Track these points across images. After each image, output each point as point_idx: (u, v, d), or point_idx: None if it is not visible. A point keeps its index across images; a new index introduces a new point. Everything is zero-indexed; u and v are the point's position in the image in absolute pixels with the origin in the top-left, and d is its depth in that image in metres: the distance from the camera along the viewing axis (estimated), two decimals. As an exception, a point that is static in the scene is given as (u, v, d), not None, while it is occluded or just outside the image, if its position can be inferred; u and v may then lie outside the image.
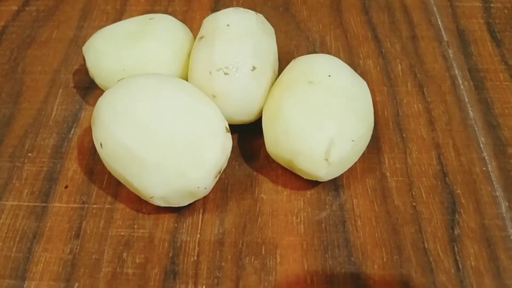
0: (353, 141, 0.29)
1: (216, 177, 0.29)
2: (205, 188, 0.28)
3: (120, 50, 0.33)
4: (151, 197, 0.28)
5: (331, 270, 0.28)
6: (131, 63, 0.32)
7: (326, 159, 0.28)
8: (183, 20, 0.41)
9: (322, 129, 0.28)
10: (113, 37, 0.33)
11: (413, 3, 0.43)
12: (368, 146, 0.32)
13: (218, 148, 0.28)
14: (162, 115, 0.28)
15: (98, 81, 0.34)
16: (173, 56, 0.33)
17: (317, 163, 0.29)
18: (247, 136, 0.34)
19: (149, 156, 0.27)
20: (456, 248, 0.29)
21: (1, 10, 0.44)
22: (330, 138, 0.28)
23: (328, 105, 0.29)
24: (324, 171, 0.29)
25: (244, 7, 0.43)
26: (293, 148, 0.29)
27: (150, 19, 0.34)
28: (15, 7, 0.45)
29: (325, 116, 0.29)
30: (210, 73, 0.31)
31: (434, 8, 0.42)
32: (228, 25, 0.32)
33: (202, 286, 0.28)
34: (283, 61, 0.39)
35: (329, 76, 0.30)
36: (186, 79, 0.32)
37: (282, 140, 0.29)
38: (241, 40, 0.31)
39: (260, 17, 0.35)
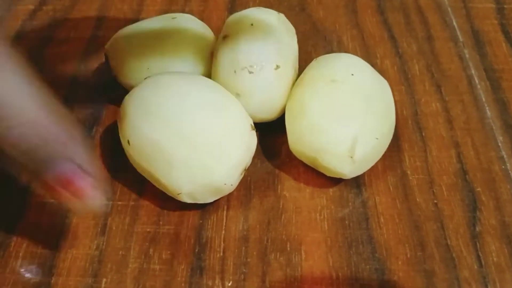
0: (377, 138, 0.29)
1: (241, 174, 0.29)
2: (231, 184, 0.29)
3: (144, 49, 0.33)
4: (178, 194, 0.28)
5: (356, 266, 0.28)
6: (155, 61, 0.33)
7: (351, 156, 0.29)
8: (200, 20, 0.41)
9: (346, 126, 0.29)
10: (136, 36, 0.34)
11: (427, 4, 0.43)
12: (388, 144, 0.33)
13: (244, 145, 0.29)
14: (189, 112, 0.28)
15: (121, 79, 0.34)
16: (196, 55, 0.34)
17: (341, 160, 0.29)
18: (269, 134, 0.34)
19: (177, 152, 0.27)
20: (478, 245, 0.29)
21: (18, 9, 0.45)
22: (354, 135, 0.29)
23: (352, 103, 0.30)
24: (348, 168, 0.29)
25: (260, 6, 0.44)
26: (317, 145, 0.29)
27: (172, 18, 0.35)
28: (31, 7, 0.45)
29: (348, 114, 0.29)
30: (235, 71, 0.31)
31: (449, 9, 0.43)
32: (252, 25, 0.32)
33: (229, 282, 0.28)
34: (301, 60, 0.39)
35: (352, 75, 0.31)
36: (209, 78, 0.33)
37: (306, 137, 0.30)
38: (265, 39, 0.32)
39: (282, 16, 0.35)
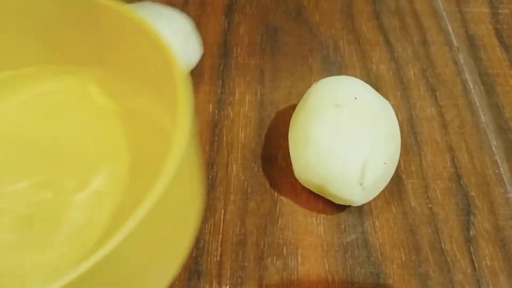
0: (385, 163, 0.29)
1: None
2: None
3: None
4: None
5: (352, 270, 0.29)
6: None
7: (360, 183, 0.28)
8: (198, 24, 0.41)
9: (354, 152, 0.28)
10: None
11: (422, 8, 0.44)
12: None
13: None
14: None
15: None
16: None
17: (351, 188, 0.28)
18: (265, 139, 0.35)
19: None
20: (472, 249, 0.30)
21: None
22: (363, 161, 0.28)
23: (358, 128, 0.29)
24: (358, 196, 0.28)
25: (257, 11, 0.44)
26: (325, 173, 0.29)
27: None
28: None
29: (356, 140, 0.28)
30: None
31: (444, 14, 0.43)
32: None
33: (226, 286, 0.28)
34: (297, 65, 0.40)
35: (355, 98, 0.30)
36: None
37: (313, 165, 0.29)
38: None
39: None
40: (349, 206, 0.31)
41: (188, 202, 0.24)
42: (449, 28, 0.42)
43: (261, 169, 0.33)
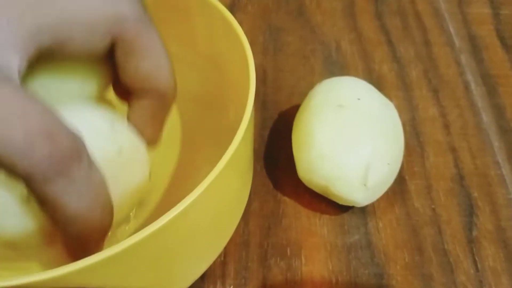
0: (388, 164, 0.29)
1: None
2: None
3: None
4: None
5: (355, 271, 0.29)
6: None
7: (364, 184, 0.28)
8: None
9: (357, 153, 0.28)
10: None
11: (424, 9, 0.44)
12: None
13: None
14: None
15: None
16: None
17: (354, 188, 0.28)
18: (269, 140, 0.35)
19: None
20: (474, 249, 0.30)
21: None
22: (366, 162, 0.28)
23: (361, 128, 0.29)
24: (361, 196, 0.28)
25: (259, 11, 0.44)
26: (329, 173, 0.28)
27: None
28: None
29: (359, 141, 0.28)
30: None
31: (445, 15, 0.43)
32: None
33: (230, 286, 0.28)
34: (299, 65, 0.40)
35: (358, 99, 0.30)
36: None
37: (317, 166, 0.29)
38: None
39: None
40: (353, 207, 0.31)
41: (247, 175, 0.28)
42: (451, 29, 0.42)
43: (264, 170, 0.33)
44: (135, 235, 0.19)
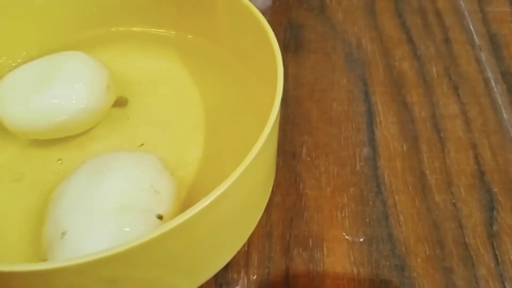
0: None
1: None
2: None
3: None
4: None
5: (377, 263, 0.29)
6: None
7: None
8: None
9: None
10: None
11: (444, 7, 0.44)
12: (407, 145, 0.34)
13: None
14: None
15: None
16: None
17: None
18: (289, 134, 0.35)
19: None
20: (495, 243, 0.30)
21: None
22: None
23: None
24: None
25: (280, 8, 0.45)
26: None
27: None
28: None
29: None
30: None
31: (465, 13, 0.44)
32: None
33: (254, 276, 0.29)
34: (321, 62, 0.40)
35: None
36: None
37: None
38: None
39: None
40: (374, 200, 0.32)
41: (271, 167, 0.28)
42: (471, 26, 0.42)
43: (285, 164, 0.34)
44: (165, 224, 0.20)
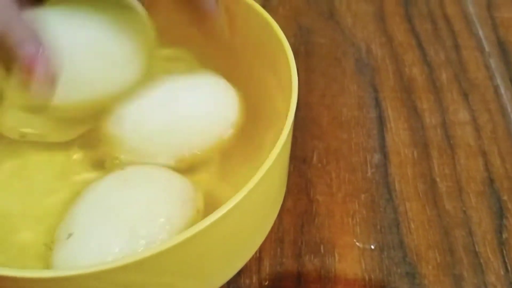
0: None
1: None
2: None
3: None
4: None
5: (388, 269, 0.30)
6: None
7: None
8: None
9: None
10: None
11: (454, 13, 0.44)
12: (418, 151, 0.34)
13: None
14: None
15: None
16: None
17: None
18: (300, 140, 0.36)
19: None
20: (504, 251, 0.30)
21: None
22: None
23: None
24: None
25: (290, 13, 0.45)
26: None
27: None
28: None
29: None
30: None
31: (474, 19, 0.44)
32: None
33: (266, 281, 0.29)
34: (331, 66, 0.40)
35: None
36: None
37: None
38: None
39: None
40: (385, 207, 0.32)
41: (284, 174, 0.29)
42: (480, 33, 0.43)
43: (296, 169, 0.34)
44: (184, 232, 0.20)
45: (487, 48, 0.41)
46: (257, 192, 0.22)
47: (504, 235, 0.31)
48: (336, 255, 0.30)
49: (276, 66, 0.29)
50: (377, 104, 0.38)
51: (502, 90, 0.38)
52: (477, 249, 0.30)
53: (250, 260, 0.30)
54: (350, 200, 0.33)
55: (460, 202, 0.32)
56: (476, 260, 0.30)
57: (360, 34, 0.43)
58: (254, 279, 0.29)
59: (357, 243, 0.31)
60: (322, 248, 0.31)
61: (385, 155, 0.35)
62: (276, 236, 0.31)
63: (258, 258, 0.30)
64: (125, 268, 0.20)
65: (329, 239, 0.31)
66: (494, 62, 0.40)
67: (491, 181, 0.33)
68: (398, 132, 0.36)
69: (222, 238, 0.23)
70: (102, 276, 0.20)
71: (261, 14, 0.30)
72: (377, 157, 0.34)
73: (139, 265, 0.20)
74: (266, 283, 0.29)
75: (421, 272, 0.29)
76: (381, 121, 0.37)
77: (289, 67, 0.27)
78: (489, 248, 0.30)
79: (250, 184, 0.22)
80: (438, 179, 0.33)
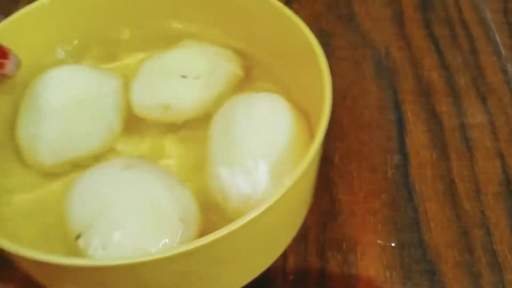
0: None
1: None
2: None
3: None
4: None
5: (408, 267, 0.31)
6: None
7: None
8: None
9: None
10: None
11: (471, 18, 0.45)
12: (437, 153, 0.35)
13: None
14: None
15: None
16: None
17: None
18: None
19: None
20: (522, 251, 0.31)
21: None
22: None
23: None
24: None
25: (310, 16, 0.46)
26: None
27: None
28: None
29: None
30: None
31: (491, 24, 0.45)
32: None
33: (290, 277, 0.31)
34: (351, 69, 0.41)
35: None
36: None
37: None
38: None
39: None
40: (406, 206, 0.33)
41: (315, 176, 0.30)
42: (497, 38, 0.44)
43: (319, 169, 0.35)
44: (221, 229, 0.21)
45: (504, 53, 0.42)
46: (298, 188, 0.24)
47: (521, 235, 0.32)
48: (358, 252, 0.31)
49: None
50: (397, 106, 0.39)
51: (519, 94, 0.39)
52: (495, 248, 0.31)
53: (275, 256, 0.31)
54: (371, 199, 0.34)
55: (478, 203, 0.33)
56: (494, 259, 0.31)
57: (379, 37, 0.44)
58: (280, 274, 0.31)
59: (378, 241, 0.32)
60: (344, 245, 0.32)
61: (405, 156, 0.36)
62: (299, 234, 0.32)
63: (283, 254, 0.31)
64: (177, 257, 0.21)
65: (351, 237, 0.32)
66: (511, 67, 0.41)
67: (508, 182, 0.34)
68: (417, 134, 0.37)
69: (256, 236, 0.24)
70: (158, 264, 0.21)
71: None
72: (397, 158, 0.36)
73: (192, 255, 0.21)
74: (291, 278, 0.31)
75: (440, 270, 0.31)
76: (400, 123, 0.38)
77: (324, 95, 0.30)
78: (506, 247, 0.31)
79: (294, 177, 0.23)
80: (456, 180, 0.34)
